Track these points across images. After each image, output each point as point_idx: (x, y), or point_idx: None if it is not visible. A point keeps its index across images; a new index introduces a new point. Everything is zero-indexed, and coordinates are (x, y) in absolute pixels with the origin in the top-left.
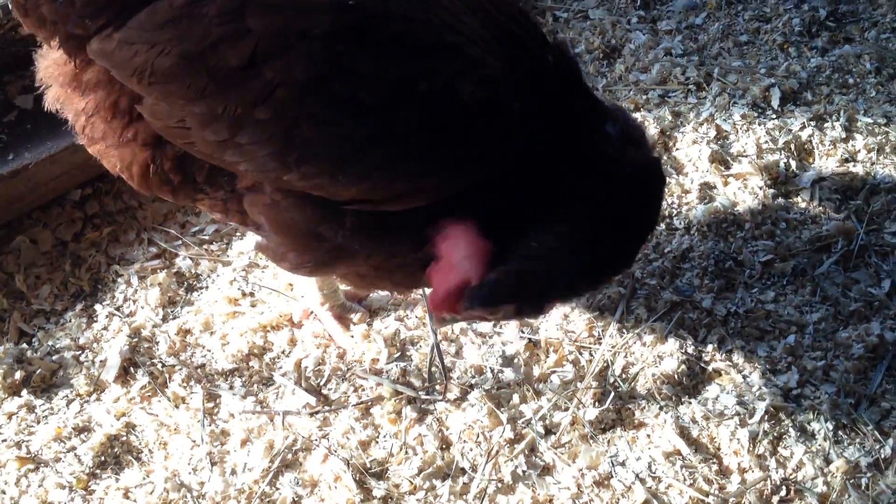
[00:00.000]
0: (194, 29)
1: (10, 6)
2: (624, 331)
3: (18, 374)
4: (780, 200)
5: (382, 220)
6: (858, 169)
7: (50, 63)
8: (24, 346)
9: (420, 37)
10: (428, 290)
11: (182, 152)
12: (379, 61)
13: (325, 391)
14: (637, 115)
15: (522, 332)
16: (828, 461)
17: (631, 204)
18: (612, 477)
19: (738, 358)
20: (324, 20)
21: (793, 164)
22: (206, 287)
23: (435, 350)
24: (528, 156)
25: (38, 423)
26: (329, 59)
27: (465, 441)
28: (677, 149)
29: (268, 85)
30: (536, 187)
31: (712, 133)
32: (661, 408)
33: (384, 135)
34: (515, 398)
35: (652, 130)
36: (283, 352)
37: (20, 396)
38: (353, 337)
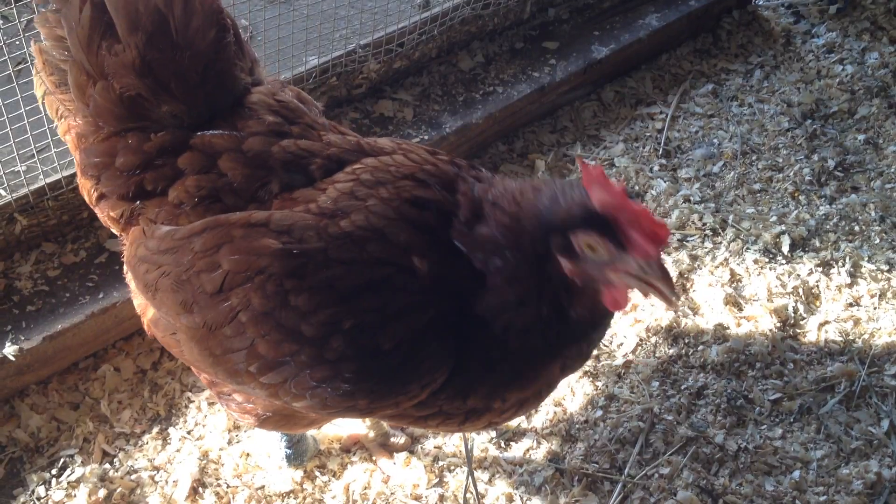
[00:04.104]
0: (184, 258)
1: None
2: (643, 463)
3: (102, 492)
4: (789, 342)
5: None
6: (861, 313)
7: None
8: (107, 465)
9: (350, 280)
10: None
11: None
12: (313, 301)
13: None
14: None
15: (550, 461)
16: None
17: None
18: None
19: (747, 491)
20: (276, 263)
21: (800, 307)
22: None
23: (470, 478)
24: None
25: None
26: (277, 294)
27: None
28: (694, 290)
29: (233, 309)
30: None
31: (727, 276)
32: None
33: (317, 360)
34: None
35: (671, 272)
36: (333, 475)
37: None
38: (395, 463)
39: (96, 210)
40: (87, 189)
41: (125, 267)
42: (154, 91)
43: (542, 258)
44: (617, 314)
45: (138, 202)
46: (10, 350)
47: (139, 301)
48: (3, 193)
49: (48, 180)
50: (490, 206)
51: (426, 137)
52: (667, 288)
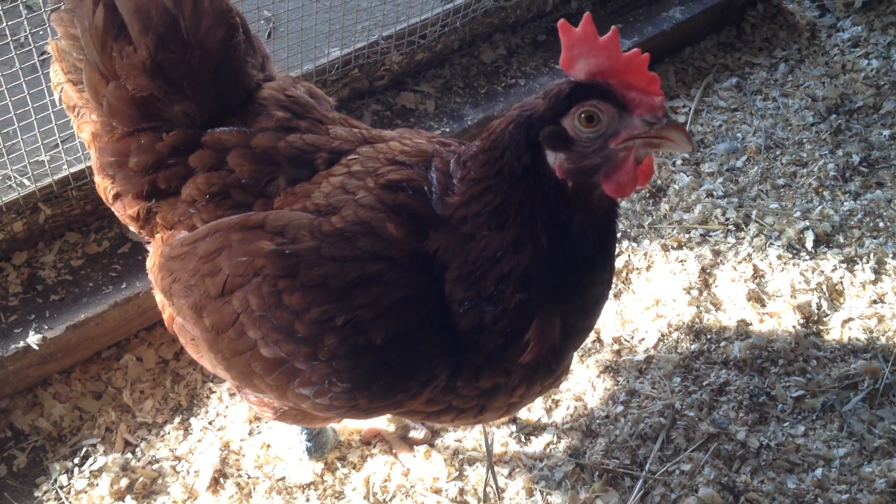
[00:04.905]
0: (191, 264)
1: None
2: (664, 459)
3: (124, 482)
4: (812, 339)
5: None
6: (886, 310)
7: None
8: (129, 455)
9: (342, 277)
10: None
11: None
12: (305, 299)
13: None
14: (680, 253)
15: (570, 456)
16: None
17: None
18: None
19: (769, 488)
20: (270, 265)
21: (824, 304)
22: None
23: (490, 472)
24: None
25: None
26: (272, 295)
27: None
28: (716, 286)
29: (235, 311)
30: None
31: (749, 272)
32: None
33: (313, 359)
34: None
35: (693, 268)
36: (354, 467)
37: (124, 502)
38: (415, 456)
39: (113, 208)
40: (103, 188)
41: (149, 274)
42: (166, 91)
43: (531, 171)
44: (640, 310)
45: (153, 200)
46: (33, 339)
47: (160, 298)
48: (28, 183)
49: (72, 170)
50: (465, 161)
51: (448, 130)
52: (681, 135)
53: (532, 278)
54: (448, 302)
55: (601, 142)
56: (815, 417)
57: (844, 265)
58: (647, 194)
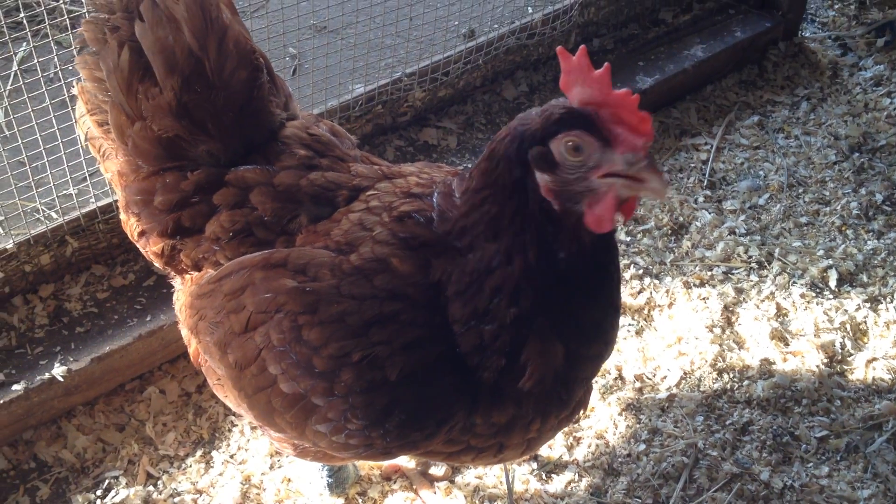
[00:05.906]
0: (215, 301)
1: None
2: (686, 499)
3: None
4: (836, 378)
5: None
6: None
7: None
8: (151, 488)
9: (361, 314)
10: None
11: None
12: (324, 334)
13: None
14: (702, 290)
15: (592, 494)
16: None
17: None
18: None
19: None
20: (291, 301)
21: (848, 343)
22: None
23: None
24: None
25: None
26: (292, 329)
27: None
28: (739, 324)
29: (257, 347)
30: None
31: (773, 311)
32: None
33: (329, 394)
34: None
35: (716, 305)
36: (374, 503)
37: None
38: (436, 493)
39: (138, 245)
40: (129, 225)
41: (177, 313)
42: (191, 131)
43: (520, 185)
44: (663, 347)
45: (177, 238)
46: (58, 371)
47: (186, 333)
48: (55, 216)
49: (100, 204)
50: (470, 173)
51: (470, 165)
52: (657, 180)
53: (522, 291)
54: (451, 325)
55: (583, 172)
56: (839, 458)
57: (868, 304)
58: (669, 231)
